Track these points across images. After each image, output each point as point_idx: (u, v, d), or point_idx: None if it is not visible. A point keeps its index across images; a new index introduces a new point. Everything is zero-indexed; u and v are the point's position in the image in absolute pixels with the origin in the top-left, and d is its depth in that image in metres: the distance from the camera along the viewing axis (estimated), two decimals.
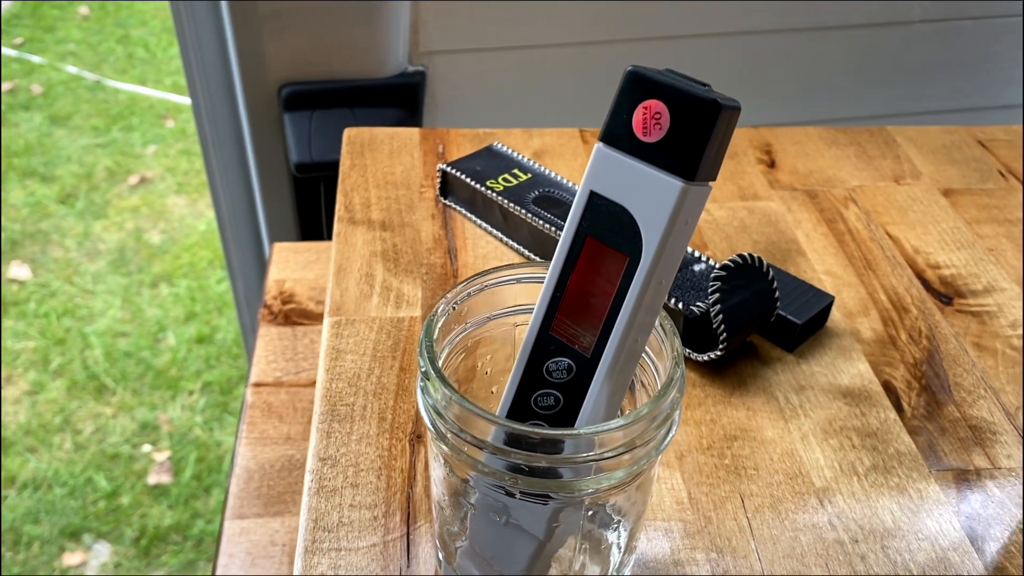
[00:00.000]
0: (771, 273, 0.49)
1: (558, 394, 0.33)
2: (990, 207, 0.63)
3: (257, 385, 0.64)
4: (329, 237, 0.92)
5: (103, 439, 1.63)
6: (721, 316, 0.47)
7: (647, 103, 0.30)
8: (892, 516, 0.43)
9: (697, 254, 0.53)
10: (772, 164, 0.66)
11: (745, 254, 0.48)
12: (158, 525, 1.48)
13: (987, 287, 0.56)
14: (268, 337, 0.67)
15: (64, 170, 2.32)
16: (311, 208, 0.89)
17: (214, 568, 0.54)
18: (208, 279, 1.99)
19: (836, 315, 0.53)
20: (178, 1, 0.82)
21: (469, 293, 0.35)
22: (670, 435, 0.32)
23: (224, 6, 0.78)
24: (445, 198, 0.60)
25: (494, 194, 0.56)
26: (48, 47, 2.84)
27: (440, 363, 0.34)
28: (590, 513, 0.37)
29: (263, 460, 0.59)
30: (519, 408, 0.33)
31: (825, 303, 0.51)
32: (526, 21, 0.87)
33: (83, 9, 3.04)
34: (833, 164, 0.67)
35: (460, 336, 0.36)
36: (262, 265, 1.07)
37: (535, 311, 0.33)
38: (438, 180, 0.60)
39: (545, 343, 0.33)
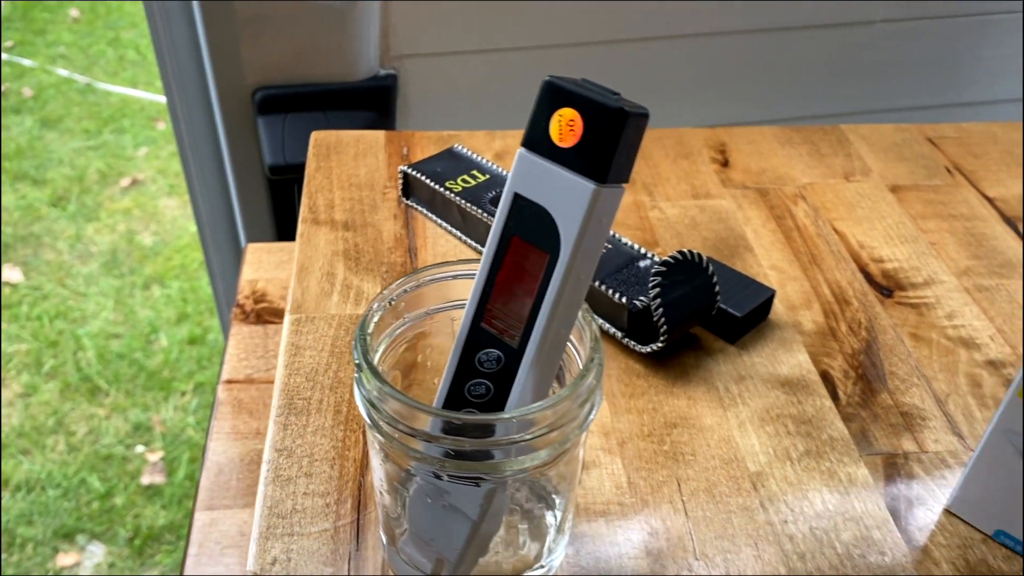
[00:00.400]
0: (711, 268, 0.51)
1: (489, 383, 0.35)
2: (935, 203, 0.66)
3: (229, 382, 0.67)
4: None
5: (96, 440, 1.65)
6: (661, 310, 0.49)
7: (562, 111, 0.32)
8: (821, 498, 0.45)
9: (643, 251, 0.55)
10: (726, 163, 0.68)
11: (685, 251, 0.50)
12: (152, 525, 1.49)
13: (927, 280, 0.59)
14: (240, 336, 0.70)
15: (56, 173, 2.34)
16: (286, 209, 0.91)
17: (184, 557, 0.56)
18: (200, 280, 2.01)
19: (779, 308, 0.56)
20: (152, 3, 0.84)
21: (405, 290, 0.37)
22: (591, 415, 0.34)
23: (195, 6, 0.80)
24: (407, 199, 0.62)
25: (453, 194, 0.59)
26: (39, 50, 2.86)
27: (379, 356, 0.37)
28: (524, 492, 0.39)
29: (233, 454, 0.61)
30: (454, 397, 0.35)
31: (766, 296, 0.53)
32: (494, 25, 0.89)
33: (73, 12, 3.05)
34: (785, 163, 0.69)
35: (400, 330, 0.38)
36: (239, 266, 1.09)
37: (467, 306, 0.35)
38: (400, 181, 0.62)
39: (477, 335, 0.35)
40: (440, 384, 0.36)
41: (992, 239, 0.62)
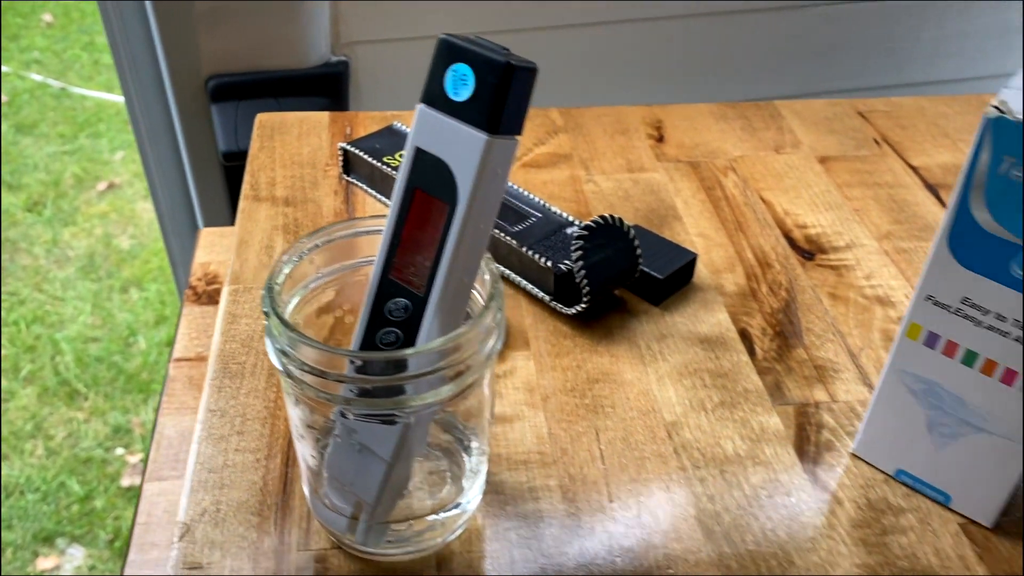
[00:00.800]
0: (632, 232, 0.53)
1: (398, 331, 0.36)
2: (862, 172, 0.68)
3: (179, 360, 0.68)
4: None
5: (75, 444, 1.65)
6: (584, 272, 0.51)
7: (455, 66, 0.34)
8: (733, 445, 0.47)
9: (570, 218, 0.57)
10: (661, 139, 0.71)
11: (606, 215, 0.52)
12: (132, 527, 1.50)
13: (848, 243, 0.61)
14: (191, 316, 0.71)
15: (31, 178, 2.34)
16: (240, 194, 0.92)
17: (132, 525, 0.58)
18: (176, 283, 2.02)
19: (704, 272, 0.58)
20: (106, 1, 0.86)
21: (317, 244, 0.39)
22: (493, 350, 0.36)
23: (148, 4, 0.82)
24: (348, 175, 0.64)
25: (391, 169, 0.60)
26: (12, 55, 2.85)
27: (291, 308, 0.38)
28: (437, 433, 0.41)
29: (182, 428, 0.63)
30: (367, 346, 0.37)
31: (688, 259, 0.55)
32: (443, 11, 0.91)
33: (47, 16, 3.05)
34: (719, 137, 0.71)
35: (314, 284, 0.39)
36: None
37: (377, 258, 0.37)
38: (340, 158, 0.64)
39: (386, 286, 0.37)
40: (354, 334, 0.38)
41: (914, 205, 0.64)
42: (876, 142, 0.71)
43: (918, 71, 1.11)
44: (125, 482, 1.58)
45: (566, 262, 0.53)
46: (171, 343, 1.92)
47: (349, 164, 0.64)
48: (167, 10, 0.82)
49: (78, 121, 2.59)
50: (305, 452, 0.39)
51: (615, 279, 0.53)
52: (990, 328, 0.38)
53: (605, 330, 0.53)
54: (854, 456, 0.47)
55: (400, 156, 0.62)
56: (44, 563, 1.45)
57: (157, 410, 0.65)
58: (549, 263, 0.53)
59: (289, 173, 0.65)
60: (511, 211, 0.58)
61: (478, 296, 0.38)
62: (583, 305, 0.52)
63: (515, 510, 0.43)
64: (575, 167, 0.67)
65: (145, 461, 0.62)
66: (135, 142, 2.27)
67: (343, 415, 0.37)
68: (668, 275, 0.54)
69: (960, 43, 1.10)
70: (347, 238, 0.40)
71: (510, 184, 0.60)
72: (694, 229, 0.61)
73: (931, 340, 0.41)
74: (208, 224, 1.01)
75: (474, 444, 0.41)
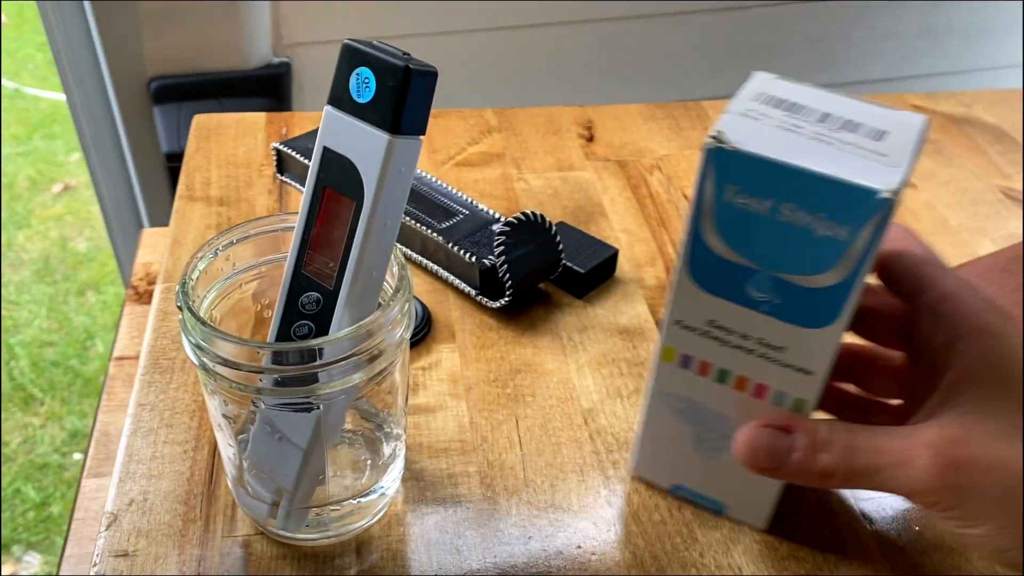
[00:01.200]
0: (553, 228, 0.55)
1: (311, 324, 0.38)
2: None
3: (120, 359, 0.69)
4: None
5: (31, 450, 1.64)
6: (506, 267, 0.53)
7: (358, 70, 0.36)
8: None
9: (497, 216, 0.59)
10: (591, 138, 0.73)
11: (528, 212, 0.54)
12: None
13: None
14: (132, 315, 0.72)
15: None
16: None
17: (70, 521, 0.59)
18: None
19: (626, 267, 0.60)
20: (44, 1, 0.86)
21: (232, 241, 0.40)
22: (403, 340, 0.38)
23: (86, 5, 0.83)
24: (281, 175, 0.65)
25: None
26: None
27: (207, 304, 0.40)
28: (355, 419, 0.43)
29: (121, 425, 0.64)
30: (282, 339, 0.39)
31: (609, 254, 0.57)
32: (382, 13, 0.93)
33: (1, 17, 3.02)
34: (647, 136, 0.73)
35: (230, 280, 0.41)
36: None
37: (290, 253, 0.38)
38: (274, 158, 0.65)
39: (299, 281, 0.38)
40: (270, 327, 0.39)
41: None
42: None
43: (851, 71, 1.15)
44: None
45: (490, 257, 0.55)
46: None
47: (282, 164, 0.65)
48: (108, 11, 0.83)
49: (32, 122, 2.57)
50: (224, 442, 0.41)
51: (537, 273, 0.55)
52: (737, 347, 0.39)
53: (529, 322, 0.55)
54: (635, 478, 0.47)
55: None
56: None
57: (97, 408, 0.66)
58: (474, 258, 0.55)
59: (224, 173, 0.66)
60: (439, 208, 0.59)
61: (389, 288, 0.40)
62: (506, 299, 0.54)
63: (434, 495, 0.45)
64: (507, 166, 0.69)
65: (84, 458, 0.63)
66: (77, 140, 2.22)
67: (260, 405, 0.38)
68: (590, 269, 0.56)
69: (892, 43, 1.13)
70: (262, 235, 0.41)
71: (439, 182, 0.62)
72: (619, 225, 0.63)
73: (685, 361, 0.41)
74: (154, 224, 1.01)
75: (390, 430, 0.43)
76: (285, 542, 0.42)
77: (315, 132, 0.66)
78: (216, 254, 0.39)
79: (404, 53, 0.36)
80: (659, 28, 1.06)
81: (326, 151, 0.37)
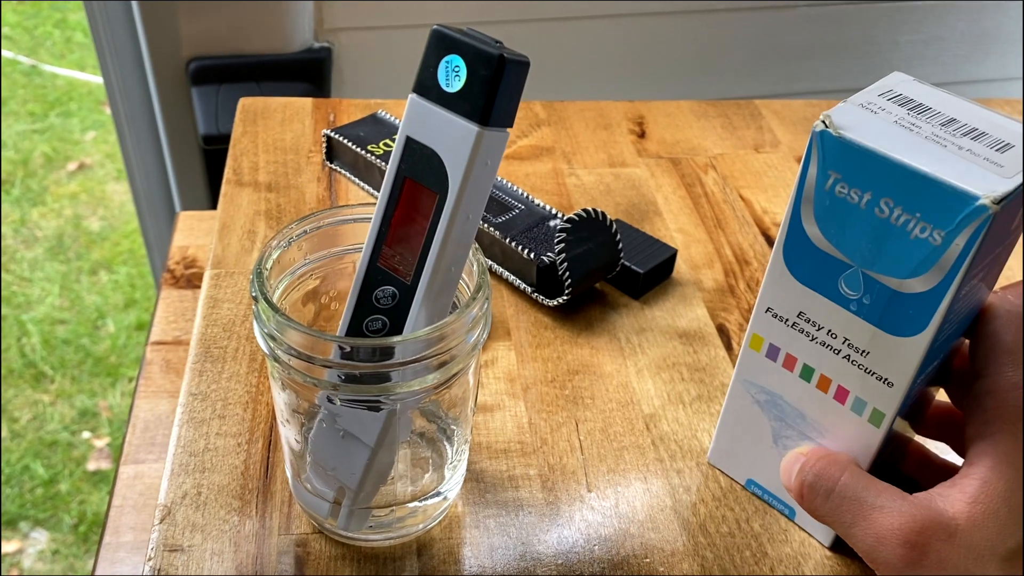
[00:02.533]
0: (614, 226, 0.53)
1: (385, 319, 0.37)
2: None
3: (156, 344, 0.68)
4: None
5: (40, 427, 1.63)
6: (566, 264, 0.52)
7: (448, 57, 0.34)
8: (710, 438, 0.48)
9: (553, 211, 0.57)
10: (643, 135, 0.71)
11: (589, 209, 0.53)
12: (97, 511, 1.48)
13: None
14: (169, 299, 0.71)
15: None
16: (220, 179, 0.92)
17: (108, 508, 0.58)
18: (148, 266, 2.00)
19: (683, 267, 0.58)
20: None
21: (306, 230, 0.39)
22: (479, 342, 0.37)
23: None
24: (331, 162, 0.64)
25: (375, 158, 0.60)
26: None
27: (279, 294, 0.39)
28: (421, 421, 0.42)
29: (159, 412, 0.63)
30: (354, 333, 0.38)
31: (668, 255, 0.56)
32: (427, 1, 0.91)
33: None
34: (699, 134, 0.72)
35: (301, 270, 0.40)
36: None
37: (365, 245, 0.37)
38: (324, 145, 0.64)
39: (374, 274, 0.37)
40: (341, 321, 0.38)
41: None
42: None
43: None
44: (91, 466, 1.57)
45: (549, 254, 0.53)
46: (141, 326, 1.90)
47: (332, 151, 0.64)
48: None
49: (49, 99, 2.55)
50: (289, 436, 0.40)
51: (596, 272, 0.54)
52: (823, 344, 0.38)
53: (585, 322, 0.54)
54: (710, 466, 0.46)
55: (384, 145, 0.62)
56: (7, 547, 1.44)
57: (133, 393, 0.65)
58: (532, 255, 0.53)
59: (272, 159, 0.64)
60: (495, 202, 0.58)
61: (464, 286, 0.39)
62: (564, 297, 0.52)
63: (495, 498, 0.44)
64: (557, 160, 0.67)
65: (120, 445, 0.62)
66: (112, 123, 2.24)
67: (328, 400, 0.37)
68: (649, 270, 0.55)
69: (937, 48, 1.12)
70: (335, 225, 0.40)
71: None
72: (674, 224, 0.62)
73: (772, 352, 0.40)
74: (185, 208, 1.00)
75: (457, 433, 0.41)
76: (344, 542, 0.41)
77: (366, 120, 0.65)
78: (290, 243, 0.38)
79: (496, 41, 0.34)
80: (702, 24, 1.04)
81: (409, 141, 0.35)
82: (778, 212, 0.64)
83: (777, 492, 0.44)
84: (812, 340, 0.38)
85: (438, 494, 0.41)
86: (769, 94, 1.12)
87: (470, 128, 0.34)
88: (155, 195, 1.05)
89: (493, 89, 0.33)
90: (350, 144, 0.61)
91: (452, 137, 0.34)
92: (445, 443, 0.42)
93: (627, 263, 0.55)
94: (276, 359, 0.35)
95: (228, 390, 0.48)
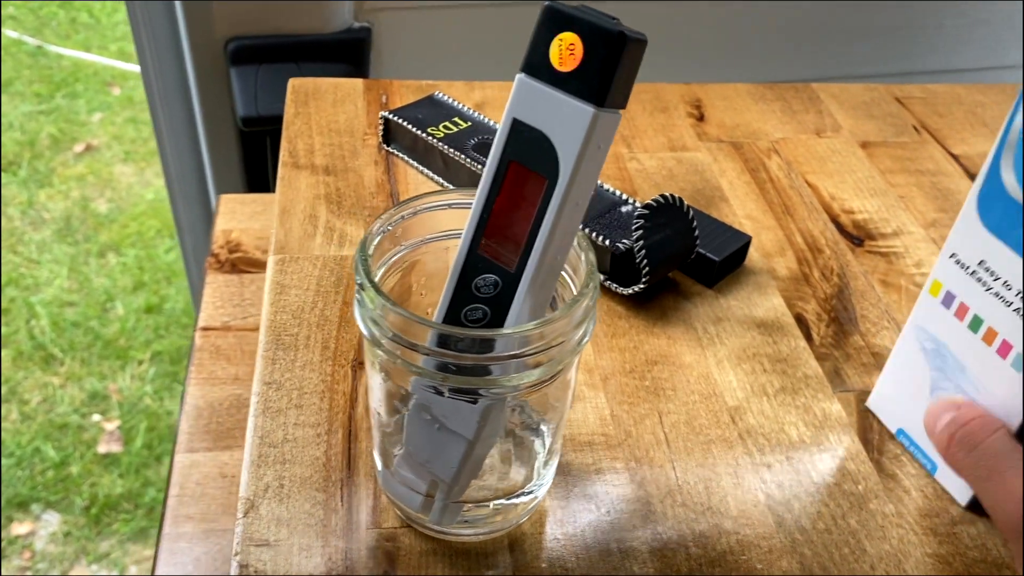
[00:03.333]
0: (691, 213, 0.52)
1: (486, 308, 0.35)
2: (903, 159, 0.67)
3: (205, 329, 0.66)
4: (275, 189, 0.93)
5: (51, 409, 1.62)
6: (644, 252, 0.50)
7: (562, 35, 0.32)
8: (797, 431, 0.46)
9: (625, 197, 0.56)
10: (701, 118, 0.70)
11: (667, 194, 0.51)
12: (108, 494, 1.48)
13: (896, 230, 0.60)
14: (215, 284, 0.69)
15: (6, 137, 2.28)
16: (257, 161, 0.90)
17: (165, 498, 0.56)
18: (157, 248, 1.98)
19: (754, 255, 0.57)
20: None
21: (403, 216, 0.37)
22: (586, 338, 0.35)
23: None
24: (388, 145, 0.62)
25: (435, 140, 0.59)
26: None
27: (376, 279, 0.37)
28: (516, 417, 0.40)
29: (212, 399, 0.61)
30: (451, 322, 0.36)
31: (743, 242, 0.55)
32: None
33: None
34: (759, 118, 0.70)
35: (395, 257, 0.38)
36: (209, 220, 1.08)
37: (464, 232, 0.35)
38: (381, 127, 0.62)
39: (474, 261, 0.35)
40: (436, 310, 0.36)
41: (957, 194, 0.64)
42: (916, 129, 0.71)
43: (939, 59, 1.11)
44: (102, 449, 1.56)
45: (624, 241, 0.52)
46: (150, 309, 1.88)
47: (390, 133, 0.62)
48: None
49: (54, 80, 2.53)
50: (383, 424, 0.38)
51: (673, 260, 0.52)
52: (996, 295, 0.39)
53: (660, 311, 0.52)
54: (866, 410, 0.48)
55: (444, 127, 0.60)
56: (18, 528, 1.43)
57: (185, 380, 0.63)
58: (607, 242, 0.52)
59: (327, 141, 0.63)
60: None
61: (566, 277, 0.37)
62: (641, 285, 0.51)
63: (583, 492, 0.43)
64: (617, 143, 0.66)
65: (175, 433, 0.60)
66: (119, 104, 2.19)
67: (432, 390, 0.35)
68: (724, 257, 0.53)
69: (983, 31, 1.10)
70: (432, 211, 0.38)
71: None
72: (741, 211, 0.61)
73: (948, 299, 0.41)
74: (220, 190, 0.98)
75: (552, 430, 0.40)
76: (435, 536, 0.40)
77: (423, 102, 0.63)
78: (390, 228, 0.37)
79: (613, 18, 0.33)
80: (743, 7, 1.02)
81: (516, 123, 0.34)
82: (846, 199, 0.63)
83: (924, 445, 0.44)
84: (987, 290, 0.39)
85: (532, 490, 0.40)
86: (810, 77, 1.10)
87: (585, 109, 0.32)
88: (188, 177, 1.03)
89: (611, 68, 0.32)
90: (409, 126, 0.60)
91: (564, 119, 0.33)
92: (540, 439, 0.41)
93: (701, 250, 0.53)
94: (379, 345, 0.34)
95: (303, 379, 0.46)
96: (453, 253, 0.38)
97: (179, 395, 1.68)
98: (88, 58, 2.64)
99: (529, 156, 0.34)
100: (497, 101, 0.69)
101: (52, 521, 1.45)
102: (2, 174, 2.16)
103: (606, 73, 0.32)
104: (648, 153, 0.65)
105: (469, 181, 0.58)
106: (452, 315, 0.36)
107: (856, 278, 0.56)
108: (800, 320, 0.53)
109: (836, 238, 0.59)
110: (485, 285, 0.35)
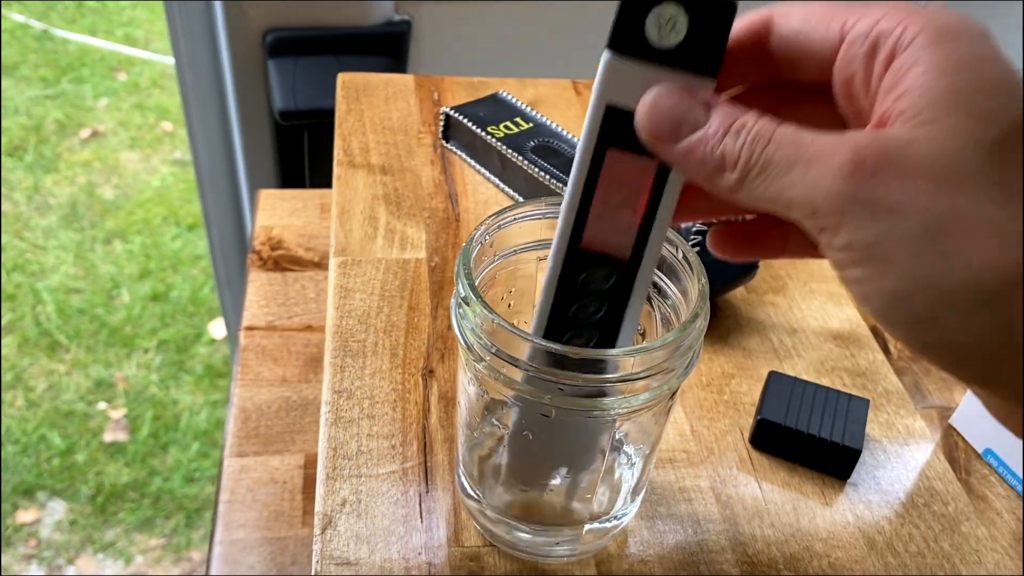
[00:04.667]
0: None
1: (600, 302, 0.33)
2: None
3: (250, 328, 0.65)
4: (311, 185, 0.91)
5: (56, 396, 1.61)
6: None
7: (661, 7, 0.30)
8: (883, 449, 0.45)
9: None
10: None
11: None
12: (114, 483, 1.46)
13: None
14: (258, 282, 0.68)
15: (12, 122, 2.26)
16: (293, 156, 0.88)
17: (216, 504, 0.55)
18: (163, 236, 1.96)
19: (824, 263, 0.56)
20: None
21: (500, 226, 0.36)
22: (693, 363, 0.34)
23: None
24: (446, 141, 0.61)
25: (494, 140, 0.57)
26: None
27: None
28: (615, 437, 0.39)
29: (260, 401, 0.60)
30: (556, 325, 0.34)
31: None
32: None
33: None
34: None
35: (489, 268, 0.37)
36: (239, 214, 1.06)
37: (559, 230, 0.33)
38: (441, 123, 0.60)
39: (576, 257, 0.33)
40: (534, 317, 0.34)
41: None
42: None
43: None
44: (108, 437, 1.55)
45: None
46: (156, 297, 1.86)
47: (449, 130, 0.60)
48: None
49: (61, 65, 2.50)
50: (476, 442, 0.37)
51: (737, 278, 0.51)
52: None
53: (733, 321, 0.51)
54: (950, 428, 0.47)
55: (505, 127, 0.59)
56: (24, 516, 1.42)
57: (232, 380, 0.62)
58: None
59: (381, 139, 0.61)
60: None
61: (666, 286, 0.36)
62: None
63: (668, 511, 0.41)
64: None
65: (223, 435, 0.59)
66: (125, 90, 2.15)
67: (537, 410, 0.34)
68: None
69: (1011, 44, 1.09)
70: (527, 220, 0.37)
71: None
72: None
73: None
74: (253, 184, 0.96)
75: (645, 454, 0.38)
76: (520, 557, 0.39)
77: (486, 100, 0.61)
78: (485, 240, 0.35)
79: None
80: None
81: (609, 108, 0.31)
82: None
83: (1014, 466, 0.43)
84: None
85: (622, 514, 0.39)
86: None
87: (700, 83, 0.30)
88: (218, 169, 1.01)
89: (723, 38, 0.29)
90: (470, 124, 0.58)
91: None
92: (636, 462, 0.39)
93: (836, 440, 0.50)
94: (480, 360, 0.32)
95: (373, 387, 0.45)
96: (543, 263, 0.36)
97: (184, 384, 1.66)
98: (94, 43, 2.61)
99: (630, 140, 0.31)
100: (550, 100, 0.67)
101: (58, 509, 1.44)
102: (8, 159, 2.14)
103: (718, 44, 0.30)
104: None
105: (525, 183, 0.57)
106: (556, 317, 0.34)
107: None
108: (876, 332, 0.51)
109: None
110: (596, 279, 0.33)
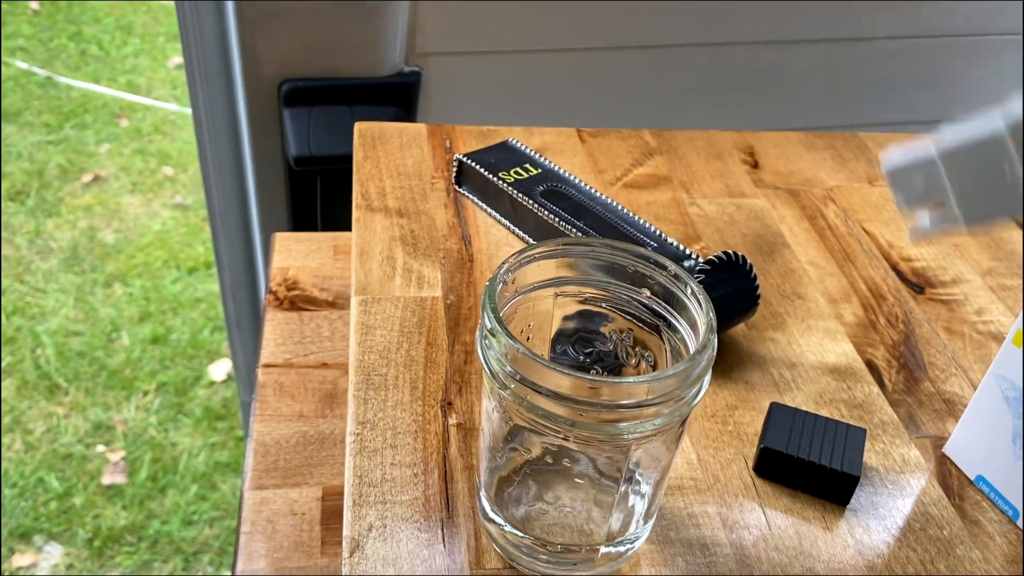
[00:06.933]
0: (752, 271, 0.53)
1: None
2: None
3: (267, 366, 0.67)
4: (323, 228, 0.94)
5: (55, 439, 1.61)
6: None
7: None
8: (880, 477, 0.47)
9: (687, 251, 0.57)
10: (755, 165, 0.71)
11: (729, 252, 0.52)
12: (112, 526, 1.46)
13: (954, 278, 0.62)
14: (275, 322, 0.70)
15: (14, 167, 2.28)
16: (306, 200, 0.91)
17: (237, 535, 0.57)
18: (163, 279, 1.98)
19: (821, 301, 0.58)
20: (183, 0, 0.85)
21: (521, 262, 0.39)
22: (702, 391, 0.36)
23: (229, 4, 0.81)
24: (460, 187, 0.64)
25: (505, 185, 0.60)
26: None
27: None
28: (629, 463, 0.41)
29: (278, 436, 0.62)
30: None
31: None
32: (521, 26, 0.91)
33: (34, 4, 2.99)
34: (812, 166, 0.72)
35: (510, 303, 0.39)
36: (250, 257, 1.09)
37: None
38: (454, 168, 0.63)
39: None
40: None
41: (1010, 243, 0.66)
42: None
43: (969, 109, 1.13)
44: (106, 480, 1.55)
45: None
46: (156, 340, 1.87)
47: (462, 175, 0.63)
48: (248, 10, 0.81)
49: (63, 111, 2.54)
50: (499, 467, 0.39)
51: (735, 316, 0.53)
52: None
53: (736, 356, 0.53)
54: (943, 456, 0.49)
55: (515, 172, 0.62)
56: (20, 560, 1.42)
57: (251, 416, 0.64)
58: None
59: (397, 184, 0.64)
60: (624, 238, 0.57)
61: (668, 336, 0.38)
62: None
63: (678, 536, 0.43)
64: (676, 189, 0.67)
65: (243, 469, 0.61)
66: (127, 136, 2.18)
67: (564, 437, 0.36)
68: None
69: (1010, 82, 1.13)
70: (553, 258, 0.39)
71: (620, 207, 0.60)
72: (804, 257, 0.62)
73: None
74: (266, 228, 0.99)
75: (656, 480, 0.41)
76: None
77: (497, 147, 0.64)
78: (509, 276, 0.38)
79: None
80: (775, 55, 1.05)
81: None
82: (903, 247, 0.64)
83: (1005, 492, 0.45)
84: None
85: (634, 539, 0.41)
86: (842, 124, 1.13)
87: None
88: (231, 213, 1.04)
89: None
90: (482, 170, 0.61)
91: None
92: (648, 488, 0.41)
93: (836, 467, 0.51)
94: (505, 387, 0.35)
95: (395, 419, 0.47)
96: (561, 300, 0.39)
97: (183, 427, 1.66)
98: (97, 90, 2.65)
99: None
100: (557, 146, 0.70)
101: (54, 553, 1.43)
102: (11, 203, 2.16)
103: None
104: (707, 199, 0.67)
105: (535, 225, 0.60)
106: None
107: (920, 325, 0.58)
108: (871, 366, 0.54)
109: (898, 285, 0.61)
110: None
